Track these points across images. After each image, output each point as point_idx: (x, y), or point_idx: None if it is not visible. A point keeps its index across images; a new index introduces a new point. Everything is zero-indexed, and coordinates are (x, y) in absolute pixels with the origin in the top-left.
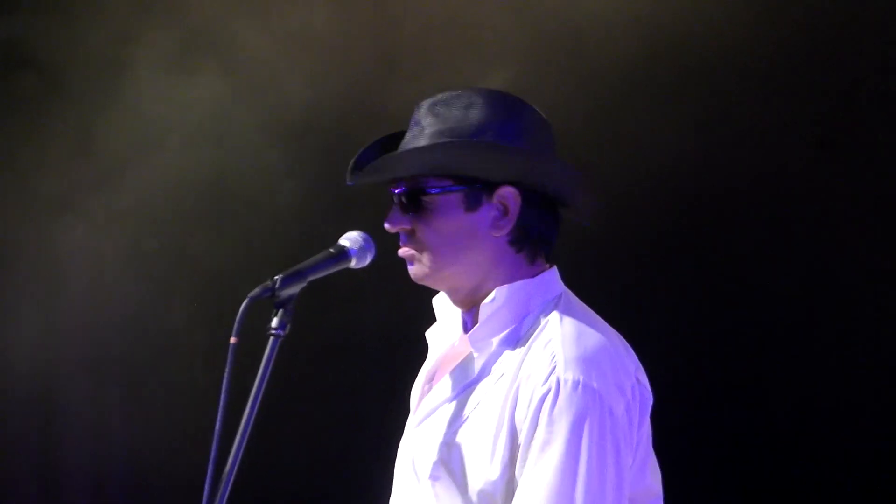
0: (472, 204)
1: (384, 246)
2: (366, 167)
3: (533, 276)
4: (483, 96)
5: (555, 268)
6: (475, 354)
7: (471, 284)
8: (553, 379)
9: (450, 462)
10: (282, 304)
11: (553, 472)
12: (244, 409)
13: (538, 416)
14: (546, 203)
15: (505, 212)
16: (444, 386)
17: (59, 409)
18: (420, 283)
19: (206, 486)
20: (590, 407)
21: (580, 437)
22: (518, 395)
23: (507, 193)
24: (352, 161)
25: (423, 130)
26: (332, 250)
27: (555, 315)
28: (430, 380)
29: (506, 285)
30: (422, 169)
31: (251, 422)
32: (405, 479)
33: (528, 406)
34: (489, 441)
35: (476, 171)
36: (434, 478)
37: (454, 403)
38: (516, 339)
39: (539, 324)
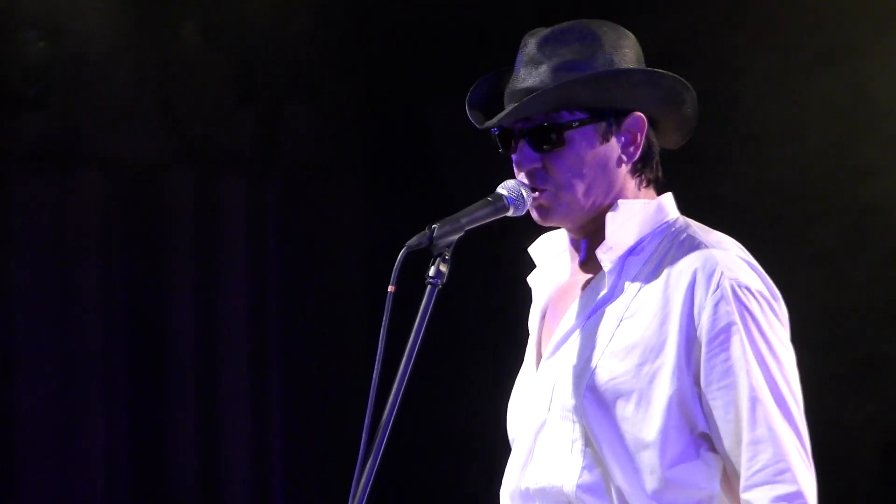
0: (606, 134)
1: None
2: (507, 110)
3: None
4: (592, 28)
5: (670, 193)
6: (606, 268)
7: (598, 214)
8: (725, 283)
9: (603, 382)
10: (439, 252)
11: (755, 374)
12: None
13: (715, 323)
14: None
15: (634, 139)
16: (574, 311)
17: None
18: (547, 223)
19: (364, 435)
20: (762, 307)
21: (763, 334)
22: (683, 305)
23: (637, 121)
24: (468, 103)
25: (539, 66)
26: (489, 198)
27: (690, 230)
28: (543, 316)
29: (629, 200)
30: (558, 104)
31: (408, 371)
32: (538, 415)
33: (702, 314)
34: (650, 355)
35: (607, 102)
36: (587, 400)
37: (591, 324)
38: (647, 255)
39: (670, 239)
